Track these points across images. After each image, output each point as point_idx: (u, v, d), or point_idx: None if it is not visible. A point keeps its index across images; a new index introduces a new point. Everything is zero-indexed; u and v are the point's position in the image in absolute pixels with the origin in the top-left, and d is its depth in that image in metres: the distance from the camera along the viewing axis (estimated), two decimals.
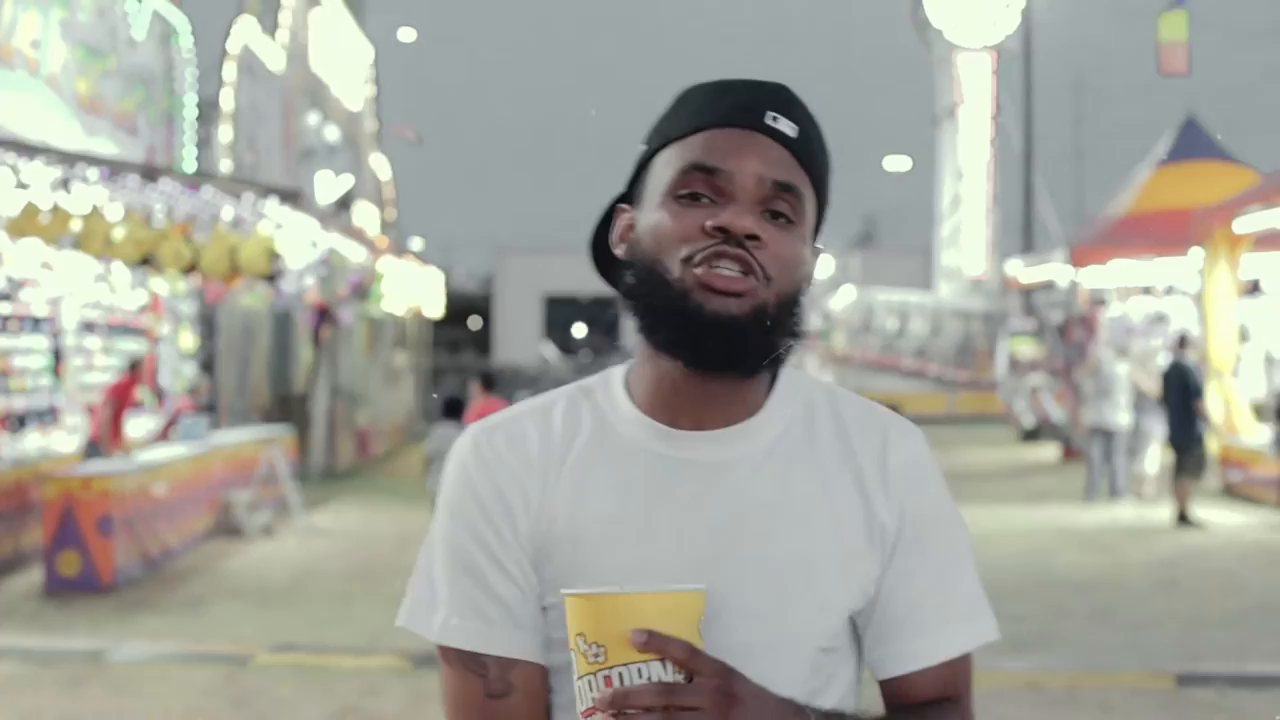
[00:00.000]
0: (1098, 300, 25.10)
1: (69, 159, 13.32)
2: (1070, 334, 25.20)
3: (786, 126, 1.66)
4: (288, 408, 21.77)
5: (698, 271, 1.60)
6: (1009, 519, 16.15)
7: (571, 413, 1.74)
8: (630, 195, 1.74)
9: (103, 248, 13.22)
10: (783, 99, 1.69)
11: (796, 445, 1.71)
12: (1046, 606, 10.84)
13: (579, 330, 56.50)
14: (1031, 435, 28.10)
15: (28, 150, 13.09)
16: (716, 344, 1.61)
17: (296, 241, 13.94)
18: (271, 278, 13.46)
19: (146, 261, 13.46)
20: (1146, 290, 24.24)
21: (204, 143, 20.33)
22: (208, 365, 20.15)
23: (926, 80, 45.47)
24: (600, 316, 52.65)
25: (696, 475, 1.68)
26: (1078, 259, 24.03)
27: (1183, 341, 16.57)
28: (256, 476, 15.64)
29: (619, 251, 1.73)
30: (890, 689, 1.73)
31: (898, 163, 52.57)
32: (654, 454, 1.69)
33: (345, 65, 28.90)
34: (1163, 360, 18.33)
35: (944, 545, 1.73)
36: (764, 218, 1.63)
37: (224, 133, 20.61)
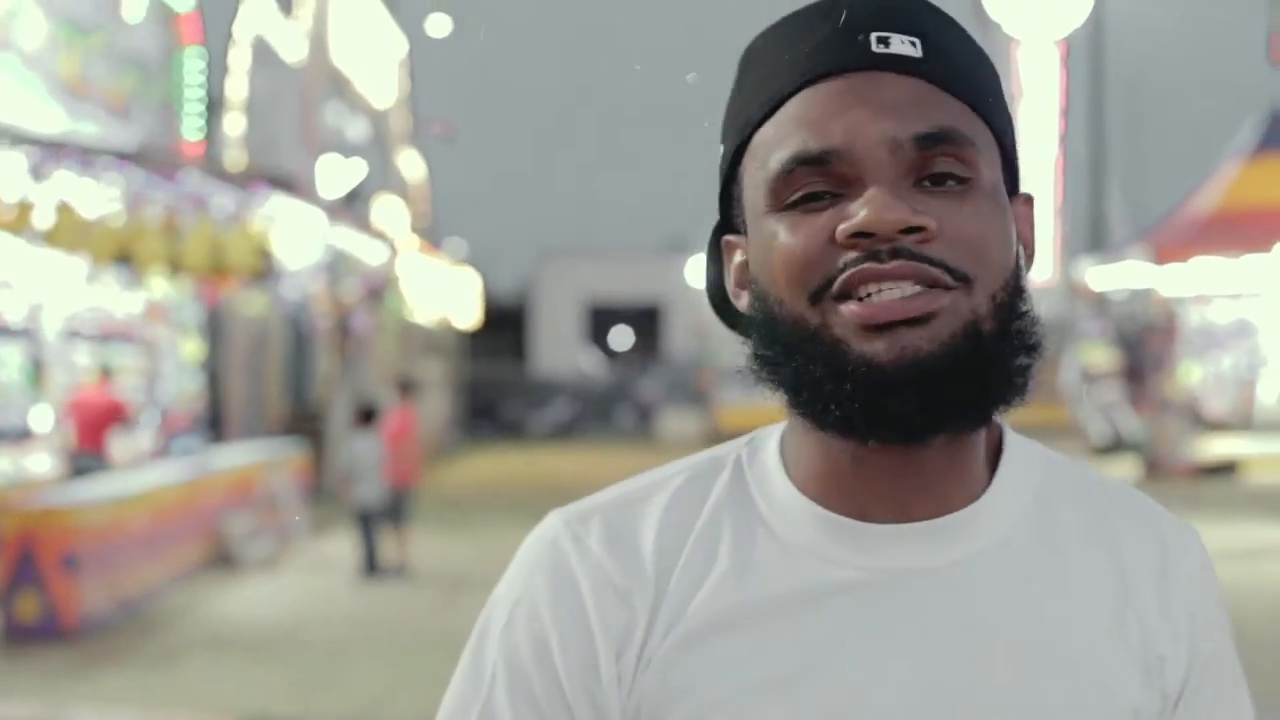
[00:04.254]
0: (1174, 309, 23.79)
1: (35, 143, 11.78)
2: (1153, 342, 23.77)
3: (903, 45, 1.10)
4: (304, 422, 20.44)
5: (852, 309, 1.08)
6: None
7: (699, 503, 1.19)
8: (730, 221, 1.20)
9: (73, 242, 11.72)
10: (888, 5, 1.12)
11: (1034, 546, 1.16)
12: None
13: (623, 339, 54.64)
14: (1106, 450, 26.52)
15: None
16: (912, 408, 1.07)
17: (295, 238, 12.38)
18: (264, 278, 11.91)
19: (124, 260, 11.95)
20: (1235, 297, 22.93)
21: (212, 135, 18.88)
22: (215, 376, 18.82)
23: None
24: (644, 325, 51.38)
25: (896, 593, 1.13)
26: (1162, 257, 22.61)
27: None
28: (256, 500, 14.25)
29: (741, 305, 1.20)
30: None
31: None
32: (832, 566, 1.14)
33: (374, 57, 27.56)
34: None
35: (1231, 700, 1.21)
36: (921, 190, 1.09)
37: (232, 124, 19.10)
